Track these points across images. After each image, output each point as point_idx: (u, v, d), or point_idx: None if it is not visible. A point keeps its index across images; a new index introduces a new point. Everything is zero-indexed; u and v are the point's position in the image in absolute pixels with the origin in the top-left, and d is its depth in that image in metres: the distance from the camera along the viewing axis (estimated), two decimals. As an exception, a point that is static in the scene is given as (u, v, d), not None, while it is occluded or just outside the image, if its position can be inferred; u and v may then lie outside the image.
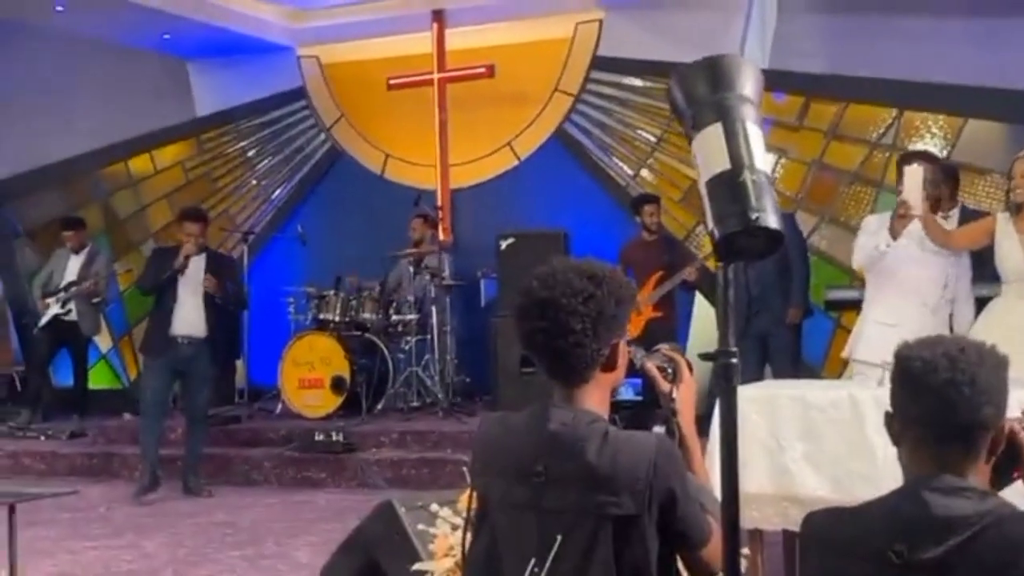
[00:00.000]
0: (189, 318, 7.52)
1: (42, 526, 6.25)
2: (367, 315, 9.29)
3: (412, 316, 9.22)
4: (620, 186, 9.99)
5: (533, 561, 2.17)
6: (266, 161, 11.45)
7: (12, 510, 4.25)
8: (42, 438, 9.35)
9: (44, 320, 9.82)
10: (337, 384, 8.89)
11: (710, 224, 2.02)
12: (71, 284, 9.75)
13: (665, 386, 2.40)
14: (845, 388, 4.17)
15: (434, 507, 3.26)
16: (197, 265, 7.56)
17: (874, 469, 3.64)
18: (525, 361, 8.91)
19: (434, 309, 9.22)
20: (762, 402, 3.98)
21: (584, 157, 10.17)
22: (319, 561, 5.36)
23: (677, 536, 2.19)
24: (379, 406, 9.06)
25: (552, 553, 2.16)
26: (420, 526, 3.23)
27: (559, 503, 2.18)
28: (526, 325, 2.26)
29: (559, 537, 2.16)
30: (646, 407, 2.78)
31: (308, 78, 11.21)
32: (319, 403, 8.97)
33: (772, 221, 1.96)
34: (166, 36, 10.67)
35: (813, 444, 3.87)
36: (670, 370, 2.42)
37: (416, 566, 3.06)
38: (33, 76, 12.10)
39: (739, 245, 2.01)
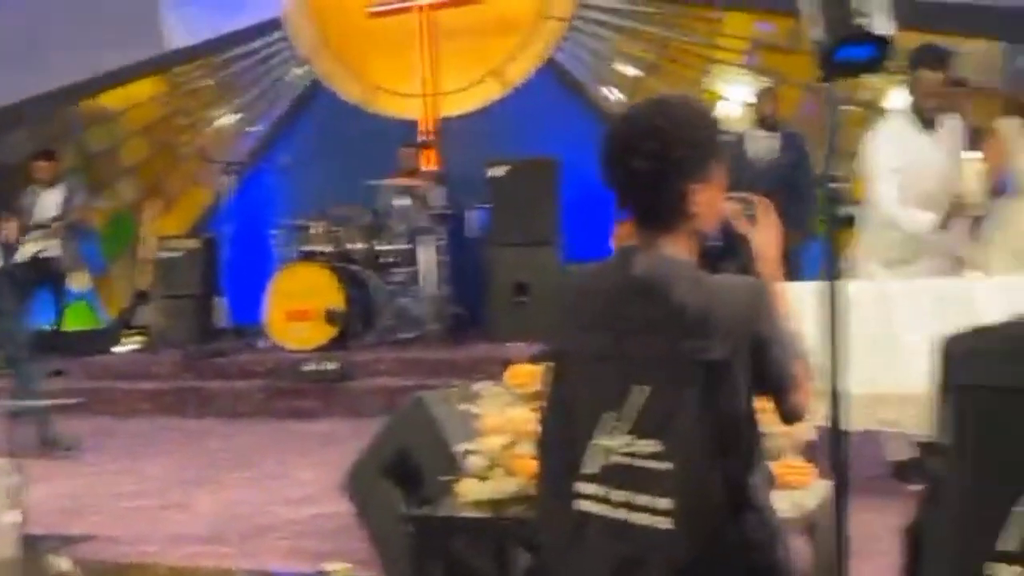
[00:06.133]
0: None
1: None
2: (354, 246, 9.07)
3: (402, 247, 9.01)
4: (613, 113, 9.80)
5: (613, 413, 2.02)
6: (244, 95, 11.16)
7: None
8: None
9: (22, 257, 9.42)
10: (331, 315, 8.62)
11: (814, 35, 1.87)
12: (56, 218, 9.34)
13: (745, 227, 2.26)
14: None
15: (478, 386, 3.10)
16: None
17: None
18: (520, 289, 8.76)
19: (424, 239, 9.02)
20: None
21: (575, 84, 9.95)
22: (325, 479, 5.22)
23: (767, 381, 2.04)
24: (368, 338, 8.84)
25: (636, 402, 2.00)
26: (462, 407, 3.07)
27: (644, 350, 2.03)
28: (607, 159, 2.11)
29: (646, 387, 2.01)
30: (723, 254, 2.63)
31: (286, 7, 10.91)
32: (308, 335, 8.71)
33: (879, 26, 1.81)
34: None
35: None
36: (749, 213, 2.27)
37: (463, 446, 2.90)
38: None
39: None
